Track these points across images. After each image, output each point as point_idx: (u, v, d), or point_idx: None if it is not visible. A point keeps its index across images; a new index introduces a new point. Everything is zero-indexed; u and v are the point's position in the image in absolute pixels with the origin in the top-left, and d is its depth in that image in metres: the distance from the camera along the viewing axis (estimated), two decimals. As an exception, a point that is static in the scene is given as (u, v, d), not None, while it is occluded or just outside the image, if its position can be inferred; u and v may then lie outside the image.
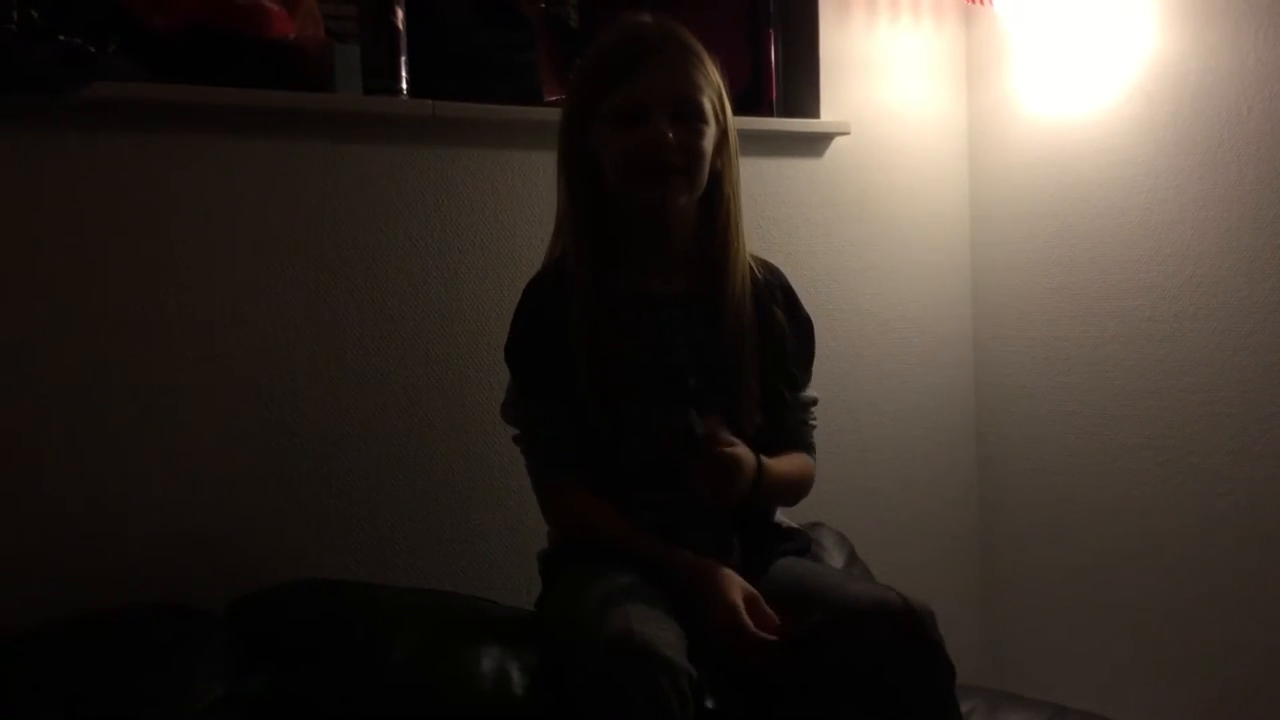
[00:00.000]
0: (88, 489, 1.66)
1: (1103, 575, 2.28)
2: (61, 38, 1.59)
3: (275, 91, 1.74)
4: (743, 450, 1.52)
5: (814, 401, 1.71)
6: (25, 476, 1.63)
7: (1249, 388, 2.02)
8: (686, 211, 1.58)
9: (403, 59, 1.82)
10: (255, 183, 1.77)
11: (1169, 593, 2.16)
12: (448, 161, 1.91)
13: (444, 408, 1.91)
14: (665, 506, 1.54)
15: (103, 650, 1.46)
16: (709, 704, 1.37)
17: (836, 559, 1.93)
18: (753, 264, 1.65)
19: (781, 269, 1.72)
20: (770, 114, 2.24)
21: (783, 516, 1.70)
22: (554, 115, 1.64)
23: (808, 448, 1.69)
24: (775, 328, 1.64)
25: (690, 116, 1.53)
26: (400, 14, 1.80)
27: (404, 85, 1.82)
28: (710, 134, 1.55)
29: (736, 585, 1.46)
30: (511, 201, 1.96)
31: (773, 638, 1.41)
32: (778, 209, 2.24)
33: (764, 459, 1.55)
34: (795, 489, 1.66)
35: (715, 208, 1.60)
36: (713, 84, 1.57)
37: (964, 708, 1.75)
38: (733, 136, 1.60)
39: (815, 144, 2.29)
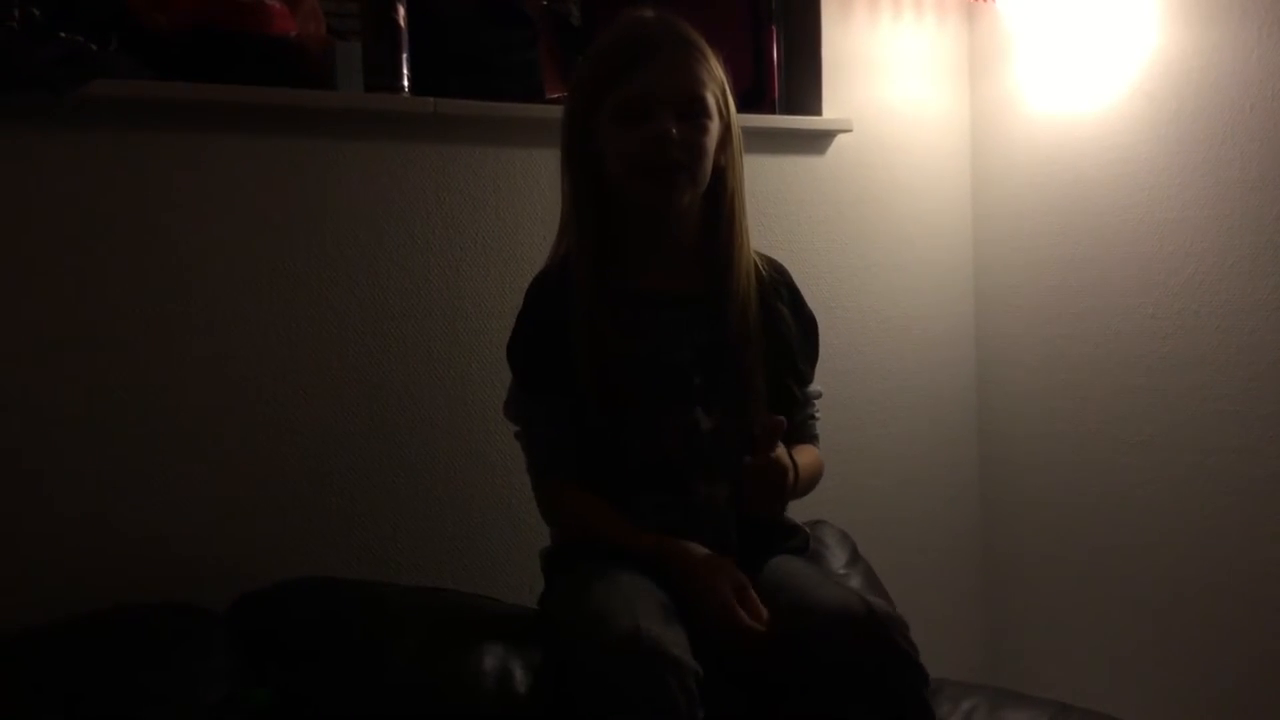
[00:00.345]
0: (89, 488, 1.66)
1: (1104, 573, 2.28)
2: (63, 36, 1.58)
3: (277, 89, 1.74)
4: (784, 452, 1.50)
5: (818, 395, 1.72)
6: (26, 475, 1.62)
7: (1251, 386, 2.02)
8: (690, 209, 1.58)
9: (404, 56, 1.82)
10: (256, 180, 1.77)
11: (1171, 591, 2.16)
12: (449, 159, 1.91)
13: (446, 405, 1.91)
14: (667, 506, 1.54)
15: (104, 649, 1.45)
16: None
17: (838, 557, 1.93)
18: (758, 261, 1.65)
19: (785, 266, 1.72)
20: (772, 111, 2.24)
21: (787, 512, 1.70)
22: (556, 113, 1.64)
23: (813, 439, 1.70)
24: (781, 325, 1.64)
25: (695, 112, 1.53)
26: (402, 11, 1.80)
27: (405, 83, 1.82)
28: (714, 129, 1.55)
29: (727, 575, 1.45)
30: (513, 199, 1.96)
31: (761, 629, 1.41)
32: (780, 206, 2.24)
33: (795, 458, 1.53)
34: (812, 484, 1.66)
35: (719, 204, 1.59)
36: (716, 79, 1.56)
37: (965, 705, 1.76)
38: (736, 132, 1.60)
39: (817, 141, 2.29)
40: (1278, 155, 1.95)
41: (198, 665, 1.47)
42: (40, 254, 1.63)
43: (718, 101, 1.56)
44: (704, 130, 1.53)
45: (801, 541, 1.68)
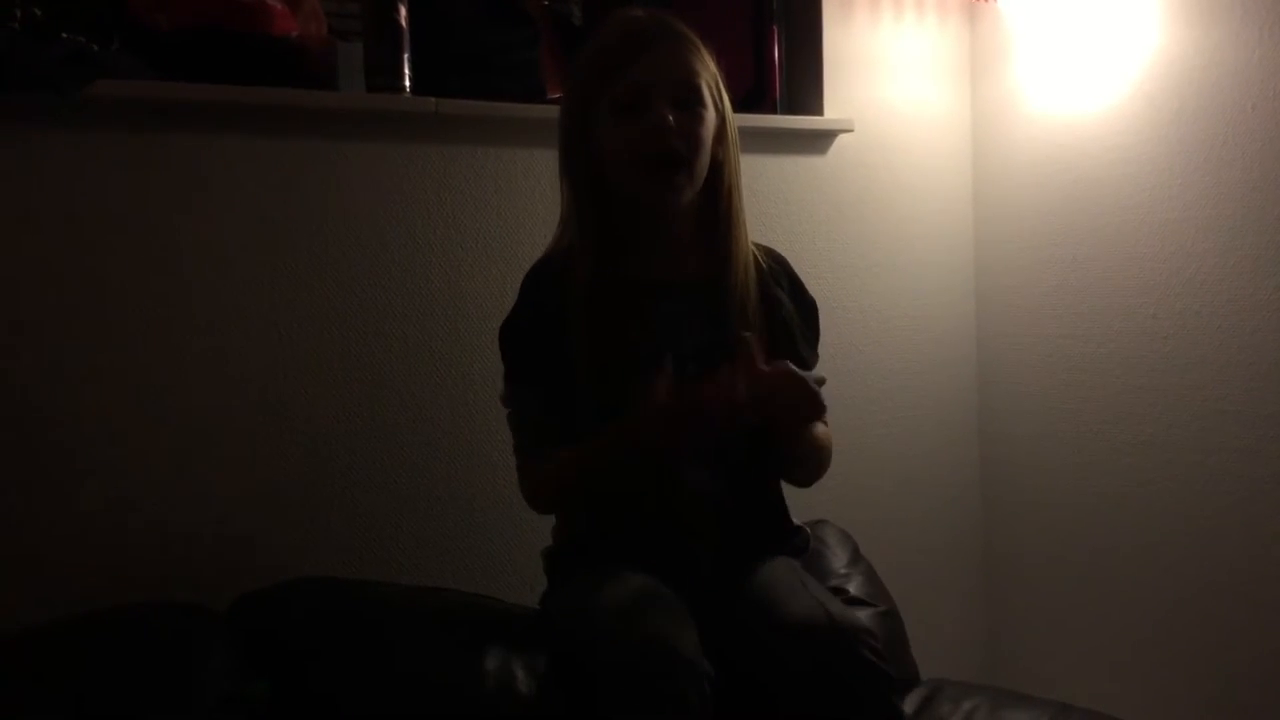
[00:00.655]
0: (90, 487, 1.66)
1: (1106, 573, 2.28)
2: (65, 36, 1.59)
3: (278, 90, 1.74)
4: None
5: (822, 381, 1.69)
6: (28, 475, 1.63)
7: (1253, 386, 2.02)
8: (689, 204, 1.59)
9: (406, 56, 1.82)
10: (258, 181, 1.77)
11: (1172, 591, 2.16)
12: (451, 159, 1.91)
13: (447, 405, 1.91)
14: (658, 493, 1.54)
15: (105, 649, 1.45)
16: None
17: (839, 557, 1.93)
18: (756, 252, 1.65)
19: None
20: (774, 111, 2.24)
21: (788, 496, 1.69)
22: (557, 113, 1.64)
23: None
24: (782, 312, 1.64)
25: (690, 102, 1.53)
26: (403, 11, 1.80)
27: (407, 83, 1.82)
28: (710, 119, 1.55)
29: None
30: (515, 199, 1.96)
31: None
32: (781, 206, 2.24)
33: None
34: (823, 455, 1.64)
35: (717, 197, 1.60)
36: (709, 70, 1.56)
37: (966, 706, 1.76)
38: (731, 124, 1.60)
39: (819, 141, 2.29)
40: (1279, 155, 1.95)
41: (199, 665, 1.47)
42: (43, 254, 1.63)
43: (712, 92, 1.56)
44: (700, 119, 1.53)
45: (801, 541, 1.68)
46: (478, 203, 1.94)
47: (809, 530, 1.71)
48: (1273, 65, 1.94)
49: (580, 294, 1.54)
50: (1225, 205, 2.03)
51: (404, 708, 1.48)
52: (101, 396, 1.66)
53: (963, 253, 2.49)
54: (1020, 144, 2.38)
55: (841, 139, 2.30)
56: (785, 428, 1.50)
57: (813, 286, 1.72)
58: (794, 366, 1.45)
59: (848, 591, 1.85)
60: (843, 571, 1.90)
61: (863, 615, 1.74)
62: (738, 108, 1.62)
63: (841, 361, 2.30)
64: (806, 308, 1.69)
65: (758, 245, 1.67)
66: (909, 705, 1.73)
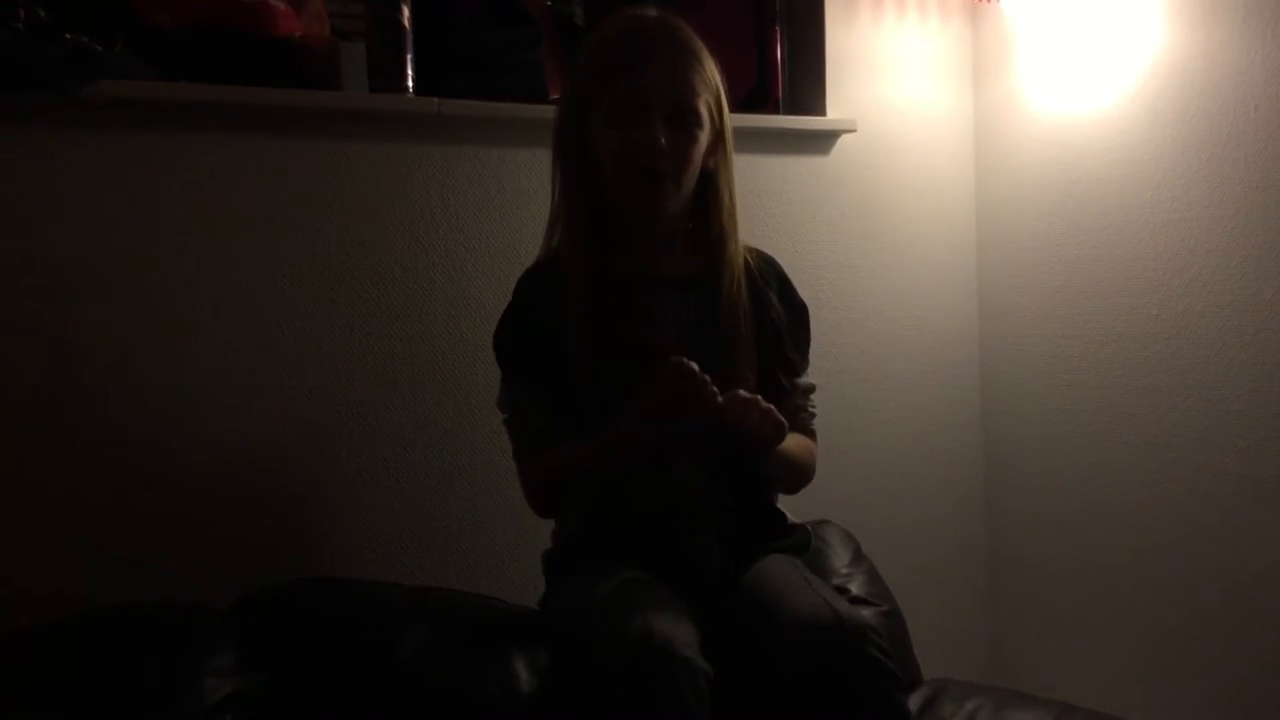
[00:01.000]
0: (94, 485, 1.66)
1: (1109, 573, 2.27)
2: (68, 36, 1.59)
3: (281, 90, 1.74)
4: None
5: (812, 388, 1.69)
6: (31, 474, 1.63)
7: (1256, 386, 2.01)
8: (678, 209, 1.59)
9: (409, 57, 1.82)
10: (261, 181, 1.77)
11: (1176, 591, 2.16)
12: (454, 159, 1.92)
13: (450, 404, 1.91)
14: (652, 489, 1.54)
15: (108, 648, 1.45)
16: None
17: (841, 557, 1.93)
18: (747, 255, 1.65)
19: (787, 266, 1.72)
20: (776, 111, 2.24)
21: (785, 506, 1.69)
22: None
23: (808, 434, 1.68)
24: (771, 313, 1.64)
25: (686, 121, 1.54)
26: (406, 12, 1.80)
27: (410, 83, 1.82)
28: (704, 138, 1.56)
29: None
30: (517, 199, 1.96)
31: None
32: (783, 207, 2.24)
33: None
34: (799, 467, 1.65)
35: (709, 205, 1.61)
36: (710, 86, 1.57)
37: (970, 706, 1.76)
38: (728, 136, 1.61)
39: (821, 141, 2.29)
40: (1282, 155, 1.95)
41: (202, 664, 1.47)
42: (45, 253, 1.63)
43: (710, 110, 1.57)
44: (693, 140, 1.55)
45: (801, 540, 1.67)
46: (480, 203, 1.94)
47: (810, 528, 1.71)
48: (1275, 66, 1.94)
49: (571, 290, 1.54)
50: (1228, 205, 2.03)
51: (406, 707, 1.48)
52: (102, 396, 1.67)
53: (965, 253, 2.49)
54: (1023, 144, 2.38)
55: (844, 139, 2.30)
56: (751, 449, 1.51)
57: (815, 287, 1.73)
58: (744, 393, 1.46)
59: (850, 591, 1.85)
60: (845, 571, 1.90)
61: (865, 614, 1.73)
62: (740, 108, 1.62)
63: (844, 361, 2.30)
64: (796, 311, 1.69)
65: (749, 248, 1.67)
66: (912, 705, 1.73)
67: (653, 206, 1.56)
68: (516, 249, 1.94)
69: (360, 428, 1.85)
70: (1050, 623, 2.41)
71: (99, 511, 1.67)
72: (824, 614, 1.40)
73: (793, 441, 1.57)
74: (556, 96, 1.94)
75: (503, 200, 1.96)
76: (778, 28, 2.25)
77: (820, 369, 1.72)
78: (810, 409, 1.69)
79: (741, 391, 1.46)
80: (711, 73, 1.57)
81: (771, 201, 2.21)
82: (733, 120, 1.62)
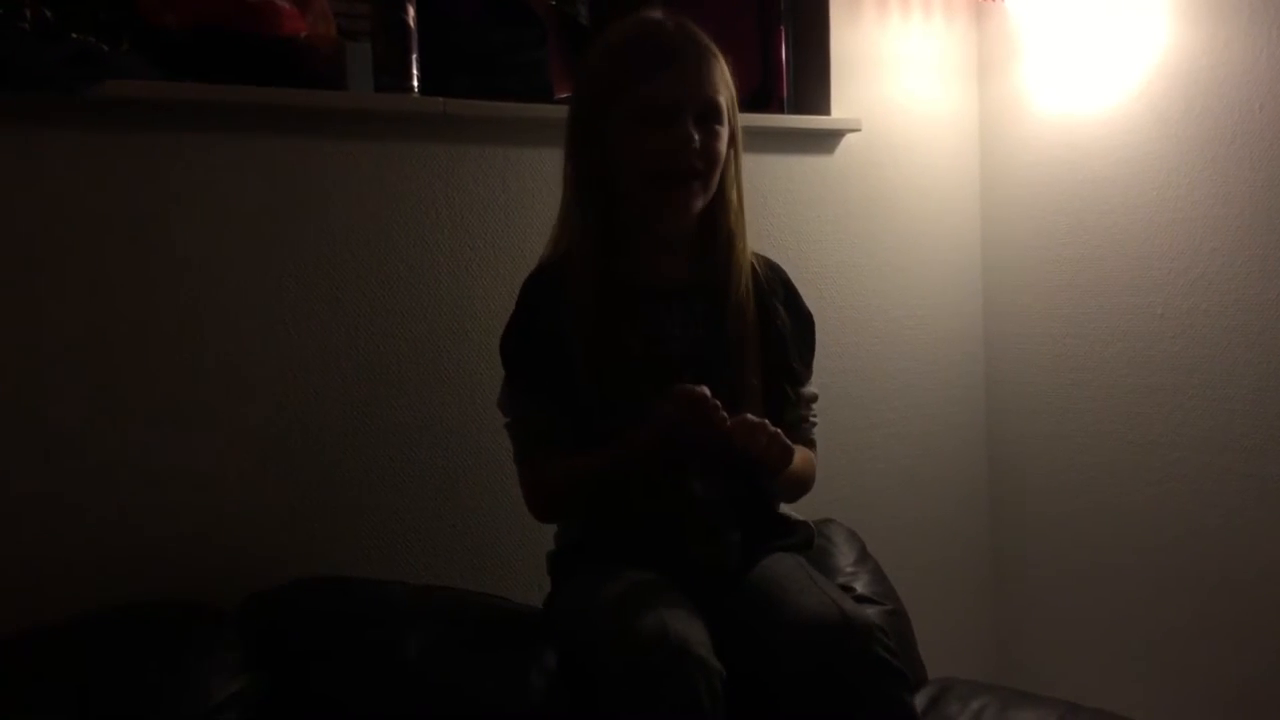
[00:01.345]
0: (98, 487, 1.66)
1: (1114, 572, 2.27)
2: (74, 36, 1.59)
3: (286, 89, 1.74)
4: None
5: (814, 398, 1.70)
6: (34, 475, 1.63)
7: (1261, 385, 2.01)
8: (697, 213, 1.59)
9: (414, 56, 1.82)
10: (267, 180, 1.77)
11: (1182, 590, 2.16)
12: (458, 159, 1.92)
13: (455, 404, 1.91)
14: (663, 496, 1.54)
15: (113, 648, 1.46)
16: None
17: (846, 556, 1.93)
18: (754, 261, 1.65)
19: (792, 266, 1.72)
20: (781, 111, 2.24)
21: (789, 510, 1.69)
22: (565, 112, 1.64)
23: (808, 444, 1.69)
24: (777, 321, 1.64)
25: (712, 120, 1.54)
26: (412, 11, 1.80)
27: (415, 83, 1.82)
28: (725, 136, 1.56)
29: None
30: (522, 198, 1.96)
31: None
32: (788, 206, 2.24)
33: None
34: (800, 483, 1.65)
35: (720, 207, 1.60)
36: (728, 85, 1.58)
37: (975, 705, 1.76)
38: (739, 139, 1.61)
39: (826, 141, 2.29)
40: (1287, 154, 1.95)
41: (207, 664, 1.47)
42: (49, 252, 1.63)
43: (729, 109, 1.58)
44: (719, 137, 1.55)
45: (803, 538, 1.67)
46: (485, 202, 1.94)
47: (812, 525, 1.71)
48: (1281, 64, 1.94)
49: (577, 295, 1.54)
50: (1233, 204, 2.03)
51: (409, 707, 1.48)
52: (106, 397, 1.67)
53: (970, 252, 2.49)
54: (1027, 143, 2.38)
55: (849, 139, 2.30)
56: (758, 471, 1.51)
57: (819, 286, 1.73)
58: (752, 416, 1.45)
59: (855, 590, 1.85)
60: (850, 570, 1.90)
61: (871, 613, 1.73)
62: (744, 107, 1.62)
63: (849, 361, 2.30)
64: (802, 321, 1.69)
65: (757, 255, 1.68)
66: (917, 704, 1.73)
67: (679, 211, 1.56)
68: (521, 248, 1.94)
69: (365, 428, 1.85)
70: (1055, 622, 2.41)
71: (103, 512, 1.67)
72: (830, 613, 1.39)
73: (797, 457, 1.58)
74: (562, 96, 1.95)
75: (507, 200, 1.96)
76: (782, 27, 2.25)
77: (825, 368, 1.72)
78: (812, 419, 1.70)
79: (749, 415, 1.45)
80: (727, 72, 1.58)
81: (776, 201, 2.21)
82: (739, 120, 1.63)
